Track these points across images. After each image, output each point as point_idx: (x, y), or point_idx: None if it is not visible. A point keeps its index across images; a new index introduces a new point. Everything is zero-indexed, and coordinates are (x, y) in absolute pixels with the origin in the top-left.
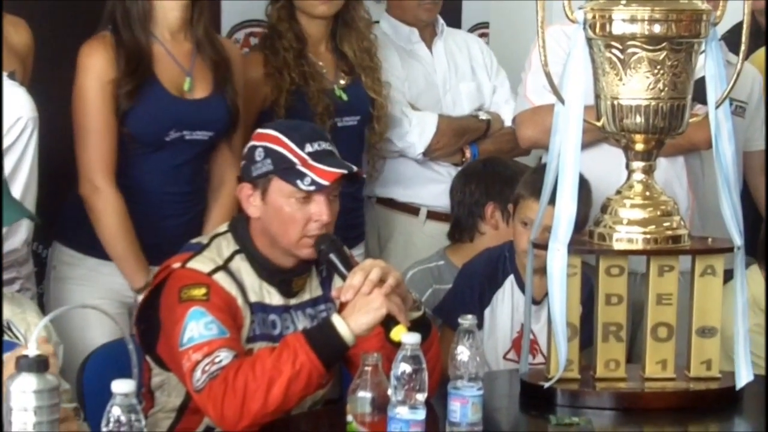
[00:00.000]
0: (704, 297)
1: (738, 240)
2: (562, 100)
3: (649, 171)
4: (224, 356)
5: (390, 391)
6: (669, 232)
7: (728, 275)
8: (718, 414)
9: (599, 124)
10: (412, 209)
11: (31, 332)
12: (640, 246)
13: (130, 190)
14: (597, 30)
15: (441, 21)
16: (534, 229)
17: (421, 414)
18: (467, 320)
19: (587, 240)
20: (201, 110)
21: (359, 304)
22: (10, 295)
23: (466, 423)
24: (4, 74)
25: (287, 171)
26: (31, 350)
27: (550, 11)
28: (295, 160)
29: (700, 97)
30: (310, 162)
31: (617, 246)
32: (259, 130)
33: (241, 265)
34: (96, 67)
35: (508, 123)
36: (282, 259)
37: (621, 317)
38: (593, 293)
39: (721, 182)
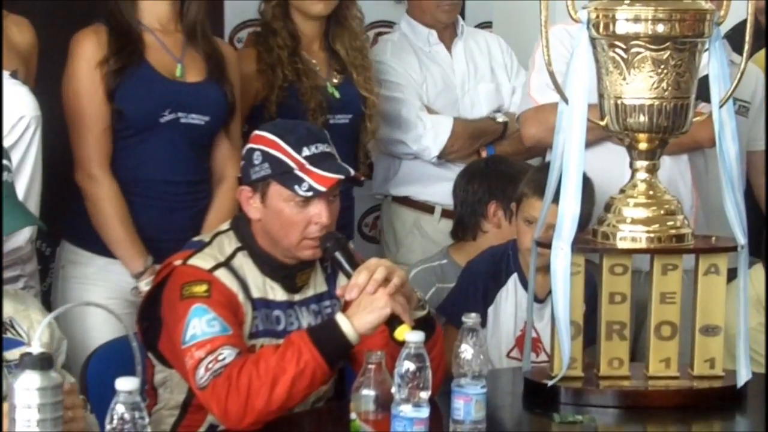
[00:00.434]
0: (708, 295)
1: (741, 239)
2: (565, 100)
3: (652, 170)
4: (227, 354)
5: (394, 389)
6: (673, 231)
7: (732, 274)
8: (722, 412)
9: (603, 123)
10: (427, 207)
11: (35, 330)
12: (643, 245)
13: (132, 181)
14: (600, 29)
15: (461, 21)
16: (537, 228)
17: (424, 412)
18: (471, 318)
19: (591, 239)
20: (194, 92)
21: (364, 304)
22: (14, 292)
23: (469, 421)
24: (7, 73)
25: (285, 176)
26: (35, 348)
27: (554, 11)
28: (292, 164)
29: (704, 95)
30: (308, 167)
31: (621, 245)
32: (257, 132)
33: (244, 262)
34: (86, 53)
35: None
36: (284, 258)
37: (624, 316)
38: (596, 291)
39: (725, 181)
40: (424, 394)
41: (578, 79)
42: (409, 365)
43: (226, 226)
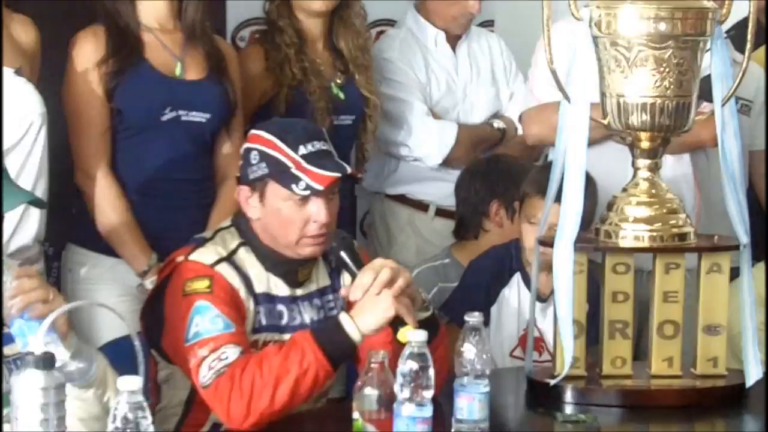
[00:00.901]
0: (710, 294)
1: (744, 238)
2: (568, 98)
3: (654, 169)
4: (231, 352)
5: (396, 388)
6: (675, 230)
7: (735, 273)
8: (725, 411)
9: (605, 121)
10: (421, 206)
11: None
12: (646, 243)
13: (136, 179)
14: (602, 28)
15: None
16: (540, 227)
17: (427, 411)
18: (474, 317)
19: (593, 237)
20: (195, 90)
21: (368, 305)
22: None
23: (472, 420)
24: (11, 71)
25: (282, 175)
26: (38, 347)
27: (556, 9)
28: (289, 163)
29: (707, 95)
30: (305, 165)
31: (623, 243)
32: (253, 132)
33: (247, 257)
34: (85, 54)
35: (521, 131)
36: (287, 252)
37: (627, 315)
38: (599, 290)
39: (727, 180)
40: (427, 394)
41: (580, 78)
42: (411, 364)
43: (227, 222)
